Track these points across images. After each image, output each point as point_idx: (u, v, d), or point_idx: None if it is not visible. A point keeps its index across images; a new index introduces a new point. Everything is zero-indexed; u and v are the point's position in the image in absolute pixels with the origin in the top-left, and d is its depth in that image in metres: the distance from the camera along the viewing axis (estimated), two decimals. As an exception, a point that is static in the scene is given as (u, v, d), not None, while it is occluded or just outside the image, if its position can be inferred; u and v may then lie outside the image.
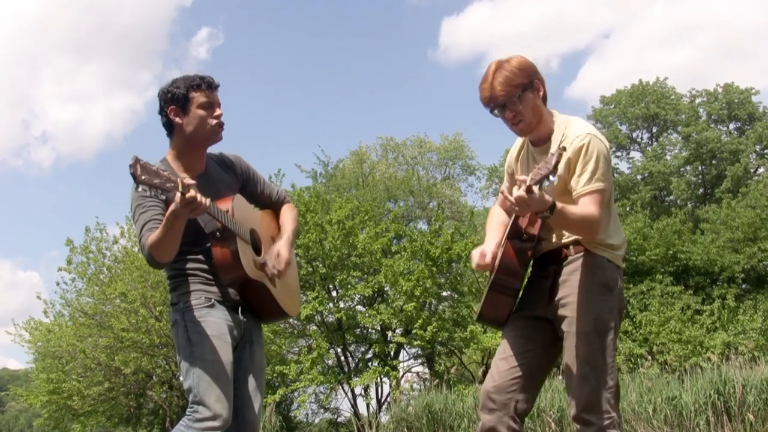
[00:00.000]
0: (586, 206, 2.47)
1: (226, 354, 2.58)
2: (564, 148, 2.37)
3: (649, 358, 11.59)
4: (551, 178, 2.33)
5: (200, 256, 2.68)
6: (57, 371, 14.27)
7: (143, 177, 2.24)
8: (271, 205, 3.01)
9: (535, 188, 2.36)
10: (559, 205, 2.40)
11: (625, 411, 7.70)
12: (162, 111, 2.71)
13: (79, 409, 14.60)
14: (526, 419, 8.10)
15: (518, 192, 2.32)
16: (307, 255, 14.03)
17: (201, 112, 2.68)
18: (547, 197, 2.37)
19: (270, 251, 2.82)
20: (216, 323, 2.61)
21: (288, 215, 3.01)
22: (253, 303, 2.76)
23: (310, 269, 14.14)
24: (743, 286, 18.24)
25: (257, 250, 2.78)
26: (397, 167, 26.89)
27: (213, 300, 2.65)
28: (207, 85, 2.70)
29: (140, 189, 2.26)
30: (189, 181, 2.35)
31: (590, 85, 47.26)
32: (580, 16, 50.40)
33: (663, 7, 47.23)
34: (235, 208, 2.66)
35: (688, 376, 8.15)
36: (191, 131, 2.69)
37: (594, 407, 2.50)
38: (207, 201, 2.38)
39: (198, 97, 2.68)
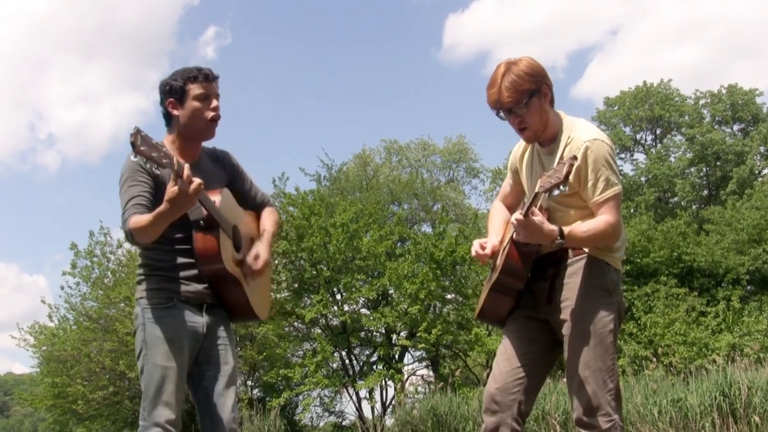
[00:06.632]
0: (602, 216, 2.49)
1: (178, 359, 2.59)
2: (575, 158, 2.37)
3: (654, 360, 11.55)
4: (561, 188, 2.33)
5: (176, 246, 2.66)
6: (61, 375, 14.23)
7: (142, 148, 2.25)
8: (255, 206, 3.01)
9: (545, 196, 2.37)
10: (566, 229, 2.43)
11: (630, 413, 7.68)
12: (162, 103, 2.74)
13: (84, 413, 14.57)
14: (531, 421, 8.11)
15: (516, 215, 2.38)
16: (312, 258, 14.01)
17: (196, 104, 2.69)
18: (552, 226, 2.40)
19: (250, 251, 2.81)
20: (173, 325, 2.61)
21: (269, 218, 3.01)
22: (225, 299, 2.75)
23: (315, 272, 14.12)
24: (748, 287, 18.15)
25: (237, 248, 2.78)
26: (401, 170, 26.90)
27: (175, 300, 2.64)
28: (204, 76, 2.70)
29: (137, 158, 2.27)
30: (184, 162, 2.37)
31: (597, 82, 47.06)
32: (587, 12, 50.14)
33: (672, 3, 47.01)
34: (222, 201, 2.67)
35: (693, 378, 8.12)
36: (186, 123, 2.71)
37: (595, 410, 2.51)
38: (201, 183, 2.37)
39: (194, 89, 2.69)
